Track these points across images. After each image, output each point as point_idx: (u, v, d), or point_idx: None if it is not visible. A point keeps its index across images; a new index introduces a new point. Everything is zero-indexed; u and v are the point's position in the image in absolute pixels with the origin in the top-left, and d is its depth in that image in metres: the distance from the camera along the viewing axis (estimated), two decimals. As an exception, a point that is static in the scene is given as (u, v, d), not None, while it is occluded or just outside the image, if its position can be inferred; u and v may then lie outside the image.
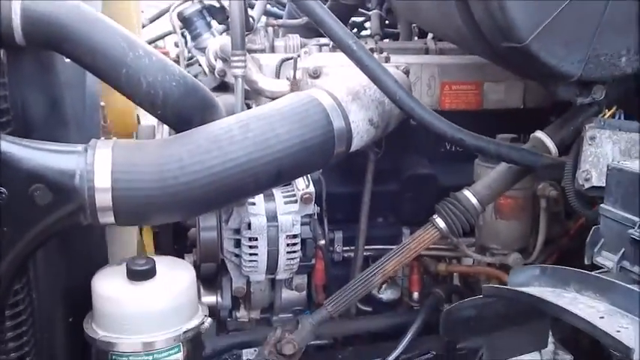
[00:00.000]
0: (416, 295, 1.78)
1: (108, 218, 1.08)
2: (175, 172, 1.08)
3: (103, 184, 1.05)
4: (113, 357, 1.18)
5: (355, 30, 2.66)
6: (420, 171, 1.74)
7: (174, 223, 1.97)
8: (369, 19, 2.39)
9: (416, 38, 2.15)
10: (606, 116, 1.21)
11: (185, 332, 1.20)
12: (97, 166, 1.06)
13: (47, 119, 1.21)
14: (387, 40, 2.19)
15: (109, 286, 1.19)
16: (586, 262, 1.06)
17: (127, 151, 1.10)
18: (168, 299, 1.19)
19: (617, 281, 0.87)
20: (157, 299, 1.18)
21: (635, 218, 0.96)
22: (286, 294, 1.67)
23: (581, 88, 1.20)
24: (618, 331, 0.78)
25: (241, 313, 1.68)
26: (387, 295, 1.76)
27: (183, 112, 1.18)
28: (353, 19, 2.64)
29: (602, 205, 1.05)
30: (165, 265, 1.25)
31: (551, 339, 1.50)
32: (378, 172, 1.69)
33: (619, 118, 1.21)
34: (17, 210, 1.04)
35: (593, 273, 0.94)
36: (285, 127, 1.17)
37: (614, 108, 1.21)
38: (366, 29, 2.65)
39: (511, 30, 1.11)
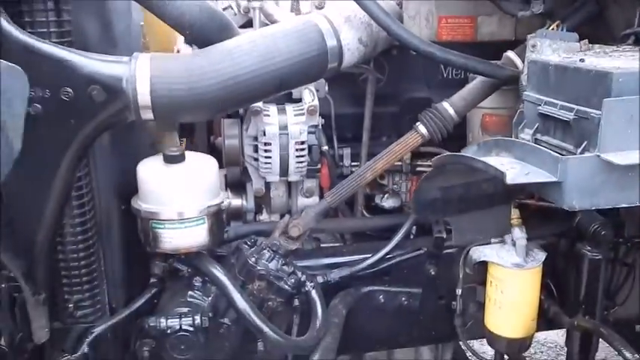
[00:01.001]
0: (414, 204, 2.01)
1: (148, 115, 1.34)
2: (198, 77, 1.33)
3: (143, 88, 1.30)
4: (153, 224, 1.47)
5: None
6: (417, 94, 1.97)
7: (210, 147, 2.29)
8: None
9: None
10: (550, 28, 1.40)
11: (209, 207, 1.48)
12: (139, 74, 1.30)
13: (100, 40, 1.46)
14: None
15: (149, 169, 1.49)
16: (513, 137, 1.29)
17: (161, 62, 1.35)
18: (195, 179, 1.47)
19: (516, 140, 1.11)
20: (186, 178, 1.47)
21: (543, 97, 1.17)
22: (302, 201, 1.91)
23: (523, 2, 1.38)
24: (507, 170, 1.03)
25: (264, 217, 1.94)
26: (388, 203, 1.99)
27: (206, 32, 1.44)
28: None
29: (525, 92, 1.26)
30: (195, 156, 1.54)
31: (523, 235, 1.69)
32: (381, 97, 1.92)
33: (561, 30, 1.40)
34: (80, 105, 1.28)
35: (506, 138, 1.18)
36: (285, 43, 1.41)
37: (557, 22, 1.40)
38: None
39: None
